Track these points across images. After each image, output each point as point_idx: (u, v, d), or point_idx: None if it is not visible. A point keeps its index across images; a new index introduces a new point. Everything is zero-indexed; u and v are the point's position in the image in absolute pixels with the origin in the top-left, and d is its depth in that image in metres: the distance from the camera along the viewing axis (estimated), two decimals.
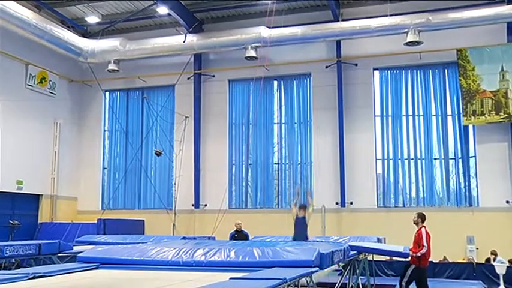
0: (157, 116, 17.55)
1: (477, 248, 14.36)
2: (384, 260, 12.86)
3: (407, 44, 14.78)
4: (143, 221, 17.10)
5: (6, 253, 8.56)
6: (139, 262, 6.08)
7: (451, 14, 14.64)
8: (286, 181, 16.74)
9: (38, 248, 9.11)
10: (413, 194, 15.73)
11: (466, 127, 15.32)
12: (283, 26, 15.39)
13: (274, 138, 17.08)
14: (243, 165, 17.14)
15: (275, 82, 17.23)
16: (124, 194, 18.17)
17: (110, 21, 17.30)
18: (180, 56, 17.13)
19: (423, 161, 15.65)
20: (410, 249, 8.86)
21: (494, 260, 12.88)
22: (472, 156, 15.30)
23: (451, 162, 15.50)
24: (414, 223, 9.16)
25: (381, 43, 15.69)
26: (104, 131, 18.79)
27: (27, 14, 14.35)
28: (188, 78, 17.47)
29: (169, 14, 16.28)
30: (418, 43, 14.70)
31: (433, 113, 15.76)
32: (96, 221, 15.57)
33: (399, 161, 15.83)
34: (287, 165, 16.73)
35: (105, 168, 18.62)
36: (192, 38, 16.46)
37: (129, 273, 5.65)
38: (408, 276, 9.00)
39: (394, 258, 11.66)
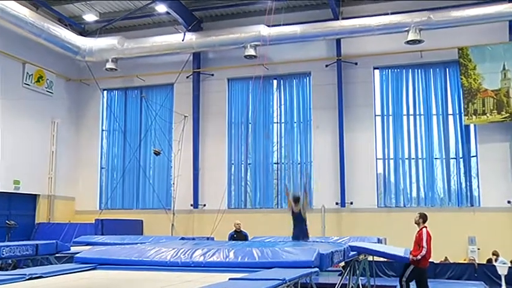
0: (156, 115, 17.49)
1: (478, 249, 14.28)
2: (384, 260, 12.76)
3: (408, 42, 14.71)
4: (141, 221, 17.02)
5: (3, 254, 8.49)
6: (137, 263, 6.08)
7: (452, 12, 14.54)
8: (286, 181, 16.61)
9: (35, 249, 9.06)
10: (414, 194, 15.66)
11: (467, 126, 15.23)
12: (283, 25, 15.25)
13: (274, 137, 17.00)
14: (242, 165, 17.06)
15: (275, 81, 17.14)
16: (122, 194, 18.08)
17: (108, 20, 17.20)
18: (179, 55, 17.04)
19: (424, 160, 15.56)
20: (410, 252, 8.85)
21: (495, 260, 12.79)
22: (473, 156, 15.21)
23: (452, 162, 15.42)
24: (415, 223, 9.17)
25: (382, 42, 15.60)
26: (102, 130, 18.69)
27: (24, 12, 14.24)
28: (187, 77, 17.39)
29: (168, 12, 16.20)
30: (419, 42, 14.62)
31: (434, 112, 15.66)
32: (94, 221, 15.49)
33: (400, 161, 15.74)
34: (287, 165, 16.63)
35: (103, 168, 18.51)
36: (191, 37, 16.37)
37: (127, 274, 5.65)
38: (407, 276, 9.00)
39: None
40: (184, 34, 16.29)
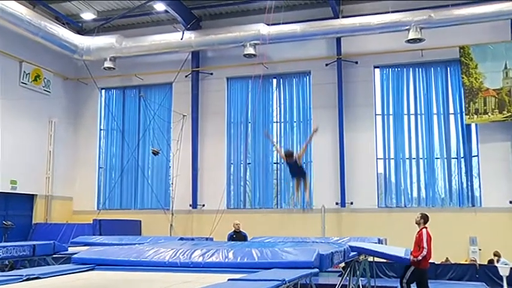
0: (154, 114, 17.40)
1: (480, 249, 14.20)
2: (385, 261, 12.67)
3: (408, 41, 14.61)
4: (140, 221, 16.91)
5: (0, 254, 8.40)
6: (136, 263, 6.05)
7: (454, 11, 14.45)
8: (286, 181, 16.53)
9: (33, 249, 8.97)
10: (415, 194, 15.58)
11: (468, 126, 15.12)
12: (283, 23, 15.17)
13: (274, 137, 16.84)
14: (242, 165, 16.97)
15: (274, 80, 17.05)
16: (120, 194, 17.97)
17: (106, 18, 17.07)
18: (178, 54, 16.93)
19: (425, 160, 15.46)
20: (411, 253, 8.83)
21: (497, 261, 12.75)
22: (474, 156, 15.12)
23: (453, 161, 15.33)
24: (416, 223, 9.20)
25: (382, 40, 15.50)
26: (100, 129, 18.58)
27: (21, 10, 14.11)
28: (186, 76, 17.29)
29: (166, 11, 16.11)
30: (419, 40, 14.52)
31: (435, 111, 15.56)
32: (91, 222, 15.37)
33: (400, 161, 15.64)
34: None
35: (101, 168, 18.41)
36: (190, 35, 16.27)
37: (125, 275, 5.62)
38: (408, 277, 9.01)
39: None
40: (183, 33, 16.19)
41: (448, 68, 15.59)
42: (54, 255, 9.50)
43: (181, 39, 16.17)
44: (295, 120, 16.62)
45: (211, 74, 17.34)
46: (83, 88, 18.40)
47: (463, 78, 14.92)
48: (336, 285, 8.41)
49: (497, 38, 14.77)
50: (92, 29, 17.19)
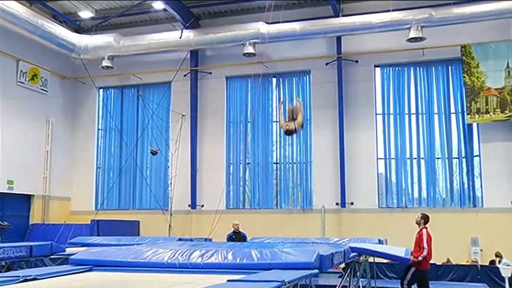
0: (153, 114, 17.30)
1: (481, 250, 14.12)
2: (385, 262, 12.63)
3: (409, 40, 14.54)
4: (138, 221, 16.81)
5: None
6: (134, 264, 6.03)
7: (455, 9, 14.37)
8: (285, 181, 16.44)
9: (30, 250, 8.90)
10: (416, 194, 15.52)
11: (470, 125, 15.05)
12: (282, 22, 15.08)
13: (273, 136, 16.82)
14: (241, 165, 16.88)
15: (274, 79, 16.95)
16: (118, 194, 17.88)
17: (103, 16, 16.98)
18: (176, 53, 16.85)
19: (426, 160, 15.37)
20: (411, 254, 8.82)
21: (499, 262, 12.71)
22: (476, 156, 15.04)
23: (455, 161, 15.25)
24: (416, 223, 9.22)
25: (383, 39, 15.42)
26: (98, 129, 18.49)
27: (17, 8, 14.02)
28: (184, 75, 17.22)
29: (165, 9, 16.03)
30: (420, 39, 14.45)
31: (436, 111, 15.48)
32: (89, 222, 15.31)
33: (401, 161, 15.55)
34: (286, 165, 16.41)
35: (99, 168, 18.30)
36: (189, 34, 16.18)
37: (123, 276, 5.60)
38: (409, 279, 9.00)
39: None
40: (182, 31, 16.13)
41: (450, 67, 15.51)
42: (51, 256, 9.45)
43: (180, 38, 16.12)
44: None
45: (210, 73, 17.24)
46: (80, 87, 18.31)
47: (464, 77, 14.83)
48: (336, 286, 8.39)
49: (499, 36, 14.68)
50: (90, 28, 17.11)
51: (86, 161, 18.13)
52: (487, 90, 14.57)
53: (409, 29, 14.39)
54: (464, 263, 13.68)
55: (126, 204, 17.73)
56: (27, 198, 16.49)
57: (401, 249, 9.04)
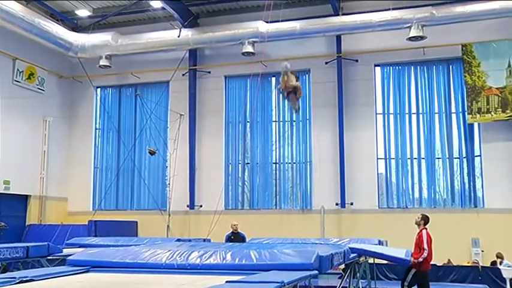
0: (151, 113, 17.20)
1: (482, 251, 14.02)
2: (385, 263, 12.54)
3: (410, 39, 14.45)
4: (136, 222, 16.70)
5: None
6: (132, 265, 6.04)
7: (456, 8, 14.28)
8: (285, 181, 16.35)
9: (26, 251, 8.83)
10: (416, 195, 15.42)
11: (471, 125, 14.95)
12: (282, 21, 14.98)
13: (273, 136, 16.73)
14: (240, 165, 16.79)
15: (273, 78, 16.81)
16: (116, 195, 17.77)
17: (101, 15, 16.89)
18: (175, 52, 16.76)
19: (426, 160, 15.28)
20: (411, 255, 8.81)
21: (500, 263, 12.66)
22: (477, 156, 14.95)
23: (456, 161, 15.15)
24: (416, 224, 9.23)
25: (383, 38, 15.35)
26: (96, 129, 18.38)
27: (14, 6, 13.89)
28: (183, 75, 17.13)
29: (163, 8, 15.92)
30: (421, 38, 14.37)
31: (437, 110, 15.38)
32: (87, 223, 15.21)
33: (401, 161, 15.45)
34: (286, 165, 16.32)
35: (96, 168, 18.19)
36: (187, 33, 16.10)
37: (121, 277, 5.61)
38: (409, 280, 9.00)
39: None
40: (180, 30, 16.04)
41: (450, 66, 15.43)
42: (48, 257, 9.40)
43: (179, 36, 16.03)
44: (294, 119, 16.42)
45: (209, 72, 17.14)
46: (77, 86, 18.20)
47: (465, 76, 14.74)
48: (335, 287, 8.40)
49: (500, 35, 14.59)
50: (87, 26, 17.01)
51: (84, 161, 18.01)
52: (488, 90, 14.48)
53: (409, 27, 14.30)
54: (465, 264, 13.61)
55: (124, 205, 17.63)
56: (24, 199, 16.36)
57: (401, 250, 9.03)
